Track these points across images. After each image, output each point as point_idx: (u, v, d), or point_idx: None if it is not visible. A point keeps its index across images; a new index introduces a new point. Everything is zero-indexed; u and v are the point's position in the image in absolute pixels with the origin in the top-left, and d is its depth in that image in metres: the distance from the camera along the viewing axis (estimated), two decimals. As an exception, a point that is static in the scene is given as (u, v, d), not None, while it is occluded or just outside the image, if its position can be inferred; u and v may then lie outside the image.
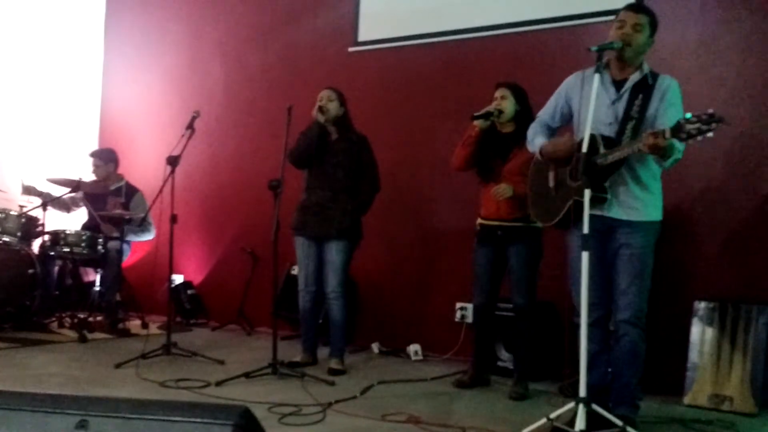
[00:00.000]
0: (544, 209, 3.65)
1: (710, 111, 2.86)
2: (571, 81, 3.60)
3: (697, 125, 2.86)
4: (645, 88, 3.36)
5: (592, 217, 3.20)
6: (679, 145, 3.12)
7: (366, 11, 6.05)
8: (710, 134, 2.86)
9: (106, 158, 6.31)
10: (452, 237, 5.44)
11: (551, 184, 3.58)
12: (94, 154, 6.38)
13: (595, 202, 3.25)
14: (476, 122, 4.32)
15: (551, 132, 3.67)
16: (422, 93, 5.73)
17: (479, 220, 4.45)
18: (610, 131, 3.35)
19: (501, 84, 4.42)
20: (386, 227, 5.63)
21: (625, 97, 3.38)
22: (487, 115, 4.31)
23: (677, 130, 2.91)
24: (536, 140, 3.62)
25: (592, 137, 3.25)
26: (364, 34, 6.05)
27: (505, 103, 4.34)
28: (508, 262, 4.32)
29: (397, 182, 5.54)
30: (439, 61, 5.68)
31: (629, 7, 3.42)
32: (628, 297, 3.35)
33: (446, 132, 5.38)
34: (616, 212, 3.36)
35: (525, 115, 4.31)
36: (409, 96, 5.80)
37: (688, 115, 2.89)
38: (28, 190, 5.95)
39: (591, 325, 3.28)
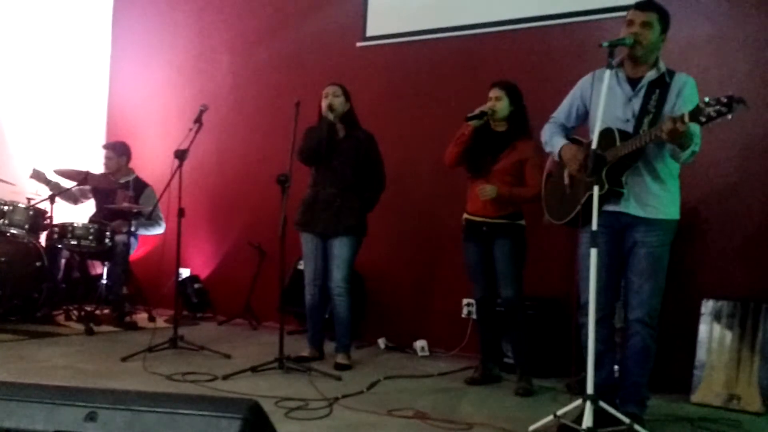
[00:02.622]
0: (558, 207, 3.64)
1: (729, 93, 2.84)
2: (585, 80, 3.59)
3: (716, 107, 2.84)
4: (662, 86, 3.34)
5: (607, 214, 3.19)
6: (696, 133, 3.10)
7: (374, 6, 6.03)
8: (729, 116, 2.84)
9: (119, 151, 6.32)
10: (460, 233, 5.40)
11: (566, 181, 3.57)
12: (107, 147, 6.39)
13: (612, 196, 3.24)
14: (470, 122, 4.33)
15: (567, 132, 3.66)
16: (430, 88, 5.72)
17: (465, 215, 4.49)
18: (627, 128, 3.34)
19: (496, 84, 4.43)
20: (394, 223, 5.62)
21: (641, 93, 3.36)
22: (480, 115, 4.33)
23: (696, 113, 2.90)
24: (554, 140, 3.61)
25: (610, 131, 3.25)
26: (372, 30, 6.04)
27: (499, 104, 4.36)
28: (494, 256, 4.34)
29: (405, 178, 5.53)
30: (447, 56, 5.66)
31: (637, 6, 3.40)
32: (641, 296, 3.34)
33: (454, 128, 5.34)
34: (633, 209, 3.34)
35: (519, 115, 4.38)
36: (417, 91, 5.79)
37: (706, 98, 2.88)
38: (38, 175, 5.95)
39: (596, 324, 3.28)
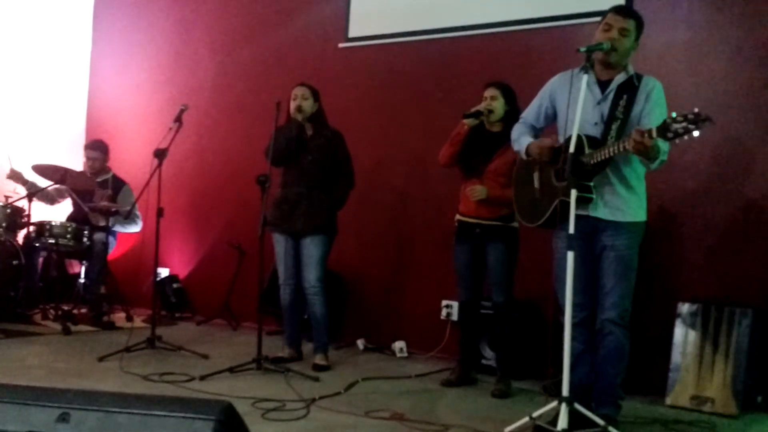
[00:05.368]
0: (529, 209, 3.66)
1: (696, 110, 2.87)
2: (556, 81, 3.60)
3: (683, 124, 2.86)
4: (630, 89, 3.37)
5: (577, 217, 3.21)
6: (664, 146, 3.14)
7: (356, 8, 6.03)
8: (696, 133, 2.87)
9: (104, 150, 6.29)
10: (440, 234, 5.43)
11: (536, 184, 3.59)
12: (94, 147, 6.30)
13: (581, 202, 3.26)
14: (466, 121, 4.34)
15: (536, 132, 3.68)
16: (411, 90, 5.73)
17: (457, 216, 4.48)
18: (595, 131, 3.37)
19: (491, 84, 4.43)
20: (373, 223, 5.63)
21: (610, 97, 3.39)
22: (477, 115, 4.33)
23: (664, 129, 2.92)
24: (521, 139, 3.63)
25: (578, 137, 3.26)
26: (354, 31, 6.04)
27: (495, 103, 4.36)
28: (486, 259, 4.35)
29: (385, 179, 5.54)
30: (428, 58, 5.68)
31: (617, 11, 3.42)
32: (613, 297, 3.37)
33: (435, 129, 5.38)
34: (601, 212, 3.37)
35: (514, 116, 4.32)
36: (398, 92, 5.80)
37: (674, 114, 2.90)
38: (15, 175, 5.90)
39: (576, 325, 3.31)
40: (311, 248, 4.71)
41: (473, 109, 4.34)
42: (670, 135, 2.91)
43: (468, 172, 4.41)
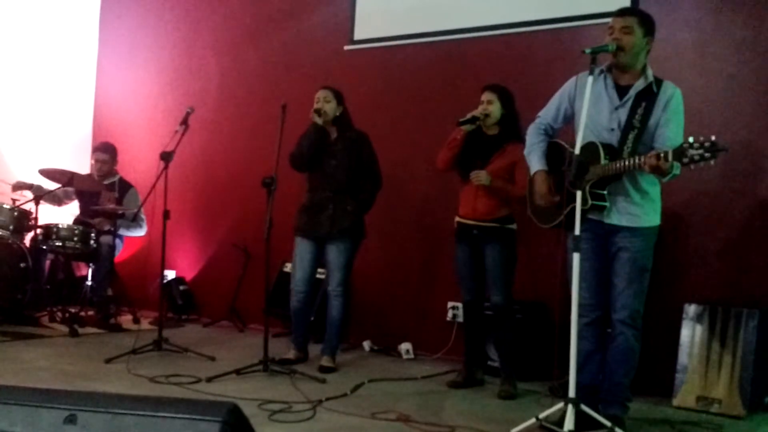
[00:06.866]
0: (543, 211, 3.66)
1: (713, 138, 2.89)
2: (573, 82, 3.59)
3: (699, 151, 2.91)
4: (649, 96, 3.36)
5: (591, 221, 3.22)
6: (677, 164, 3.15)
7: (362, 10, 6.04)
8: (712, 162, 2.90)
9: (113, 153, 6.31)
10: (446, 236, 5.42)
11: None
12: (103, 149, 6.31)
13: (594, 209, 3.28)
14: (462, 127, 4.34)
15: (554, 132, 3.68)
16: (417, 92, 5.73)
17: (457, 218, 4.49)
18: (611, 137, 3.37)
19: (487, 87, 4.44)
20: (380, 226, 5.62)
21: (629, 104, 3.38)
22: (472, 120, 4.33)
23: (680, 154, 2.96)
24: (532, 157, 3.64)
25: (594, 145, 3.28)
26: (359, 33, 6.05)
27: (491, 107, 4.36)
28: (484, 261, 4.35)
29: (391, 181, 5.53)
30: (434, 60, 5.68)
31: (616, 13, 3.44)
32: (625, 298, 3.38)
33: (441, 131, 5.36)
34: (615, 219, 3.38)
35: (510, 118, 4.38)
36: (404, 95, 5.80)
37: (690, 139, 2.92)
38: (19, 185, 5.93)
39: (588, 325, 3.33)
40: (335, 254, 4.70)
41: (469, 115, 4.34)
42: (685, 160, 2.95)
43: (466, 175, 4.41)
